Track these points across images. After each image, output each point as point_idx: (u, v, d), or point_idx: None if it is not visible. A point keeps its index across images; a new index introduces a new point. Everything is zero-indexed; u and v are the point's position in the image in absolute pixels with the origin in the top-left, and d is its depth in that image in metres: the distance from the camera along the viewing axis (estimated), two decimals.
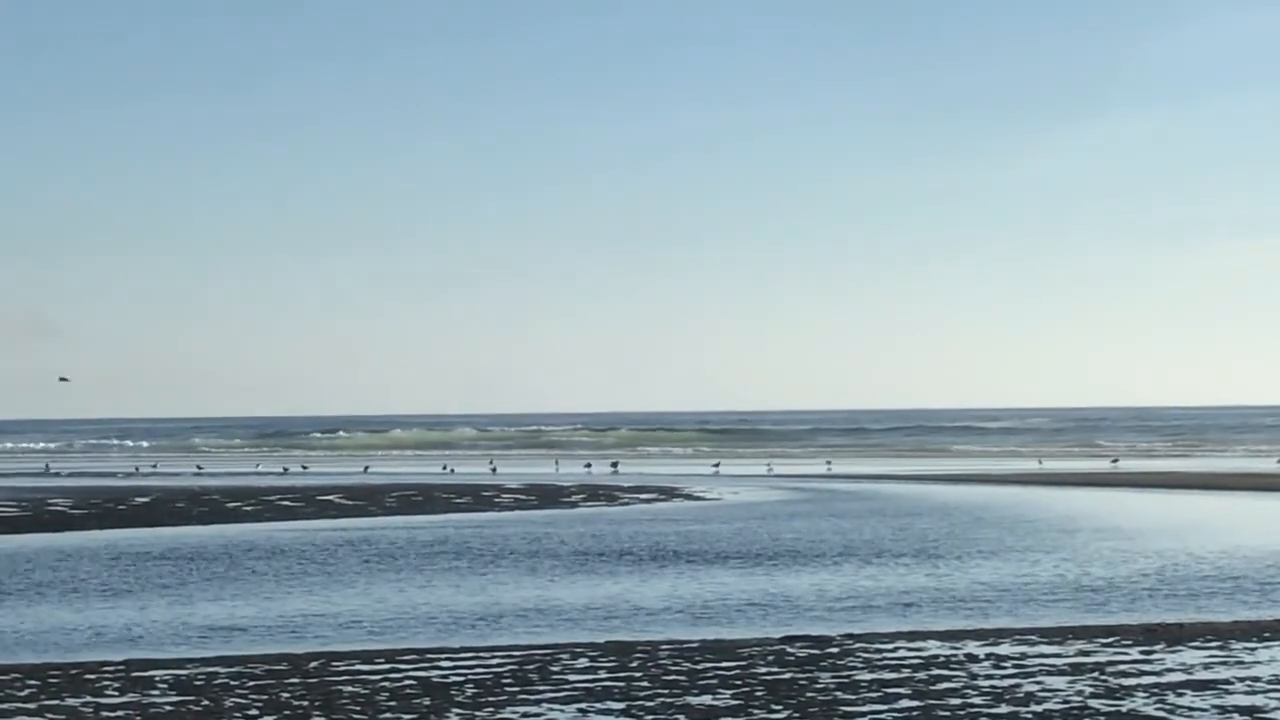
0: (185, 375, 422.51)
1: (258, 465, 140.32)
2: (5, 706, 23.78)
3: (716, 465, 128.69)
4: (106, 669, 27.45)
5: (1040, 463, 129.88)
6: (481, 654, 28.90)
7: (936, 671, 26.32)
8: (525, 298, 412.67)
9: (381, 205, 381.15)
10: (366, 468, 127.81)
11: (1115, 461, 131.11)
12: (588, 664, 27.45)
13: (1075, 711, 22.69)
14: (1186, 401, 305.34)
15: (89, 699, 24.32)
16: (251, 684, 25.62)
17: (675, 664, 27.29)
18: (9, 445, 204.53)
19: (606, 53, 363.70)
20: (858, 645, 29.50)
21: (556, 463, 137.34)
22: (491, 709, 23.24)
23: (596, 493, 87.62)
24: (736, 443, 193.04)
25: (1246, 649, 28.55)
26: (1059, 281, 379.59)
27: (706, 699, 23.88)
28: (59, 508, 74.48)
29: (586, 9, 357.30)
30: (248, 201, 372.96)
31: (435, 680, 25.88)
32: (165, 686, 25.50)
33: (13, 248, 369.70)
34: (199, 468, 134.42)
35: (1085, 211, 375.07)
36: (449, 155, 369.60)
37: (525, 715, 22.74)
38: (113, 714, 23.08)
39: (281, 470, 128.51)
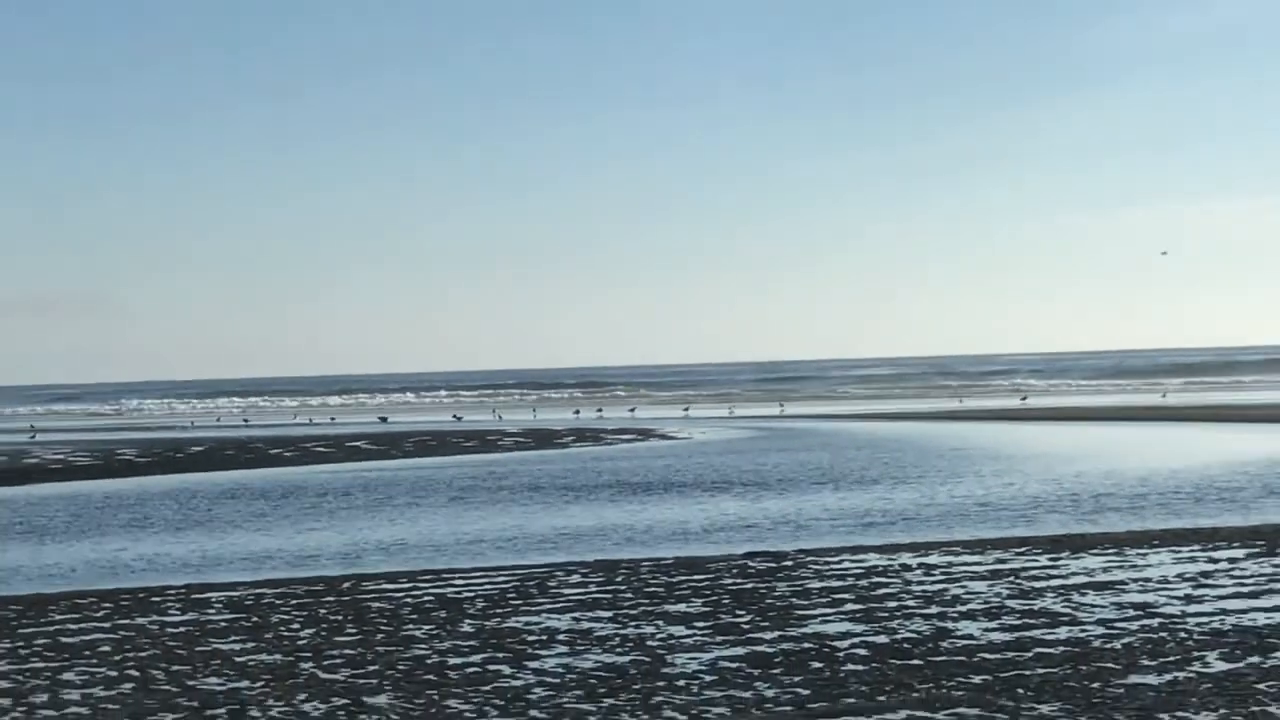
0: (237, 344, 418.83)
1: (294, 417, 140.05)
2: (84, 625, 24.07)
3: (686, 409, 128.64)
4: (169, 592, 27.75)
5: (961, 401, 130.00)
6: (489, 573, 29.18)
7: (876, 579, 26.63)
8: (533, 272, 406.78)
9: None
10: (385, 419, 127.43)
11: (1024, 399, 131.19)
12: (579, 580, 27.72)
13: (994, 610, 23.00)
14: (1094, 347, 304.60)
15: (154, 618, 24.61)
16: (294, 602, 25.90)
17: (654, 578, 27.56)
18: (76, 408, 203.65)
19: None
20: (809, 559, 29.78)
21: (534, 410, 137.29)
22: (498, 619, 23.54)
23: (584, 435, 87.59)
24: (697, 390, 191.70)
25: (1139, 555, 28.91)
26: (976, 244, 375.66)
27: (681, 606, 24.23)
28: (127, 457, 74.40)
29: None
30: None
31: (450, 596, 26.17)
32: (220, 606, 25.82)
33: (77, 237, 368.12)
34: (245, 420, 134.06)
35: (995, 184, 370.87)
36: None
37: (527, 623, 23.06)
38: (175, 630, 23.35)
39: (308, 420, 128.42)
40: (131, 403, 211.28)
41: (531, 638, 21.78)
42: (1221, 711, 16.18)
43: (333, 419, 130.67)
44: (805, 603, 24.20)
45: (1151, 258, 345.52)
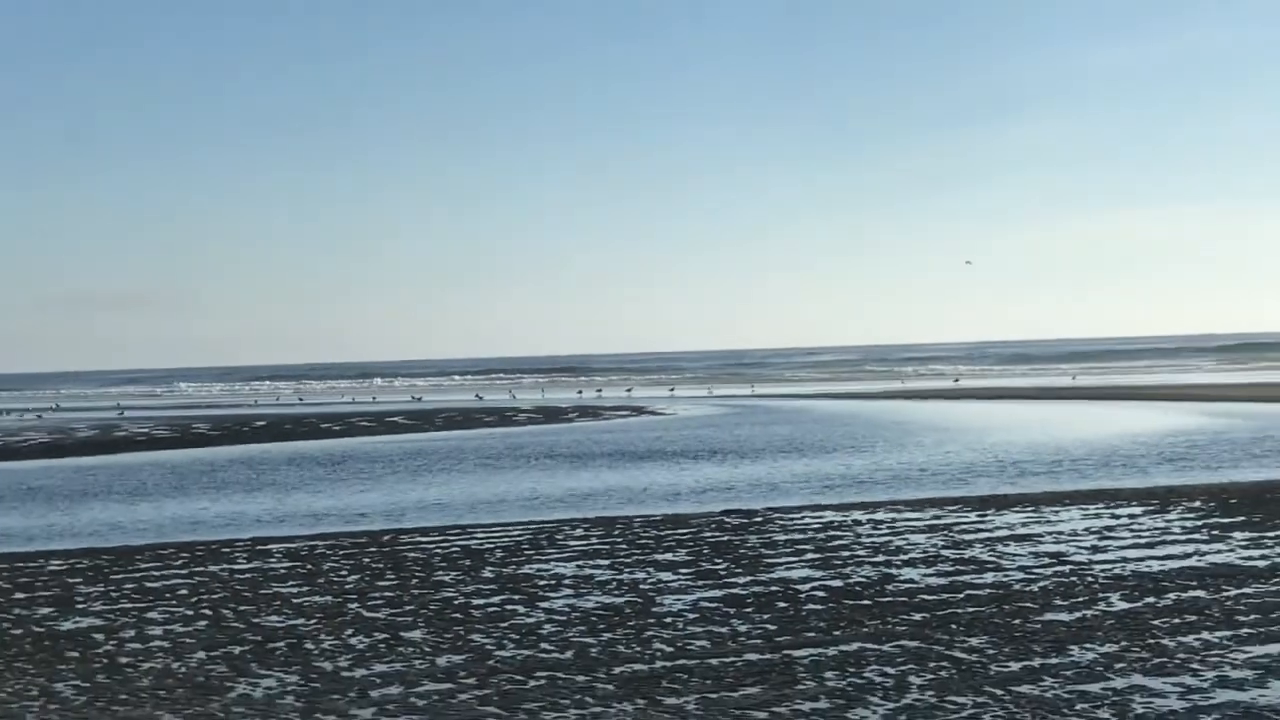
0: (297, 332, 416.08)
1: (343, 397, 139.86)
2: (165, 572, 24.13)
3: (672, 390, 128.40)
4: (237, 544, 27.79)
5: (903, 382, 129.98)
6: (506, 528, 29.21)
7: (832, 533, 26.69)
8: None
9: None
10: (419, 398, 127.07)
11: (957, 380, 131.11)
12: (583, 533, 27.77)
13: (931, 559, 23.07)
14: (1011, 337, 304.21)
15: (224, 566, 24.66)
16: (341, 553, 25.93)
17: (645, 532, 27.61)
18: (157, 389, 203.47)
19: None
20: (776, 516, 29.79)
21: (543, 391, 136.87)
22: (514, 566, 23.61)
23: (587, 411, 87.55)
24: (680, 374, 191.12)
25: (1053, 512, 28.97)
26: (916, 252, 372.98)
27: (668, 556, 24.28)
28: (201, 430, 74.39)
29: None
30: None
31: (473, 547, 26.19)
32: (280, 556, 25.88)
33: (153, 242, 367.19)
34: (300, 400, 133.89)
35: (934, 200, 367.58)
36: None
37: (538, 570, 23.10)
38: (242, 576, 23.41)
39: (352, 399, 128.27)
40: (203, 385, 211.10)
41: (542, 582, 21.83)
42: (1123, 643, 16.23)
43: (374, 399, 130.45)
44: (772, 552, 24.25)
45: (1046, 264, 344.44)
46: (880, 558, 23.27)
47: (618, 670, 15.71)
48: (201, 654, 17.26)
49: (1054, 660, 15.56)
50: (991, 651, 16.06)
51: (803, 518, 29.33)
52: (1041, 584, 20.25)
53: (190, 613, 20.03)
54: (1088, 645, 16.20)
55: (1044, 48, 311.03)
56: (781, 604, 19.29)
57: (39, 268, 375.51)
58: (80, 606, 20.87)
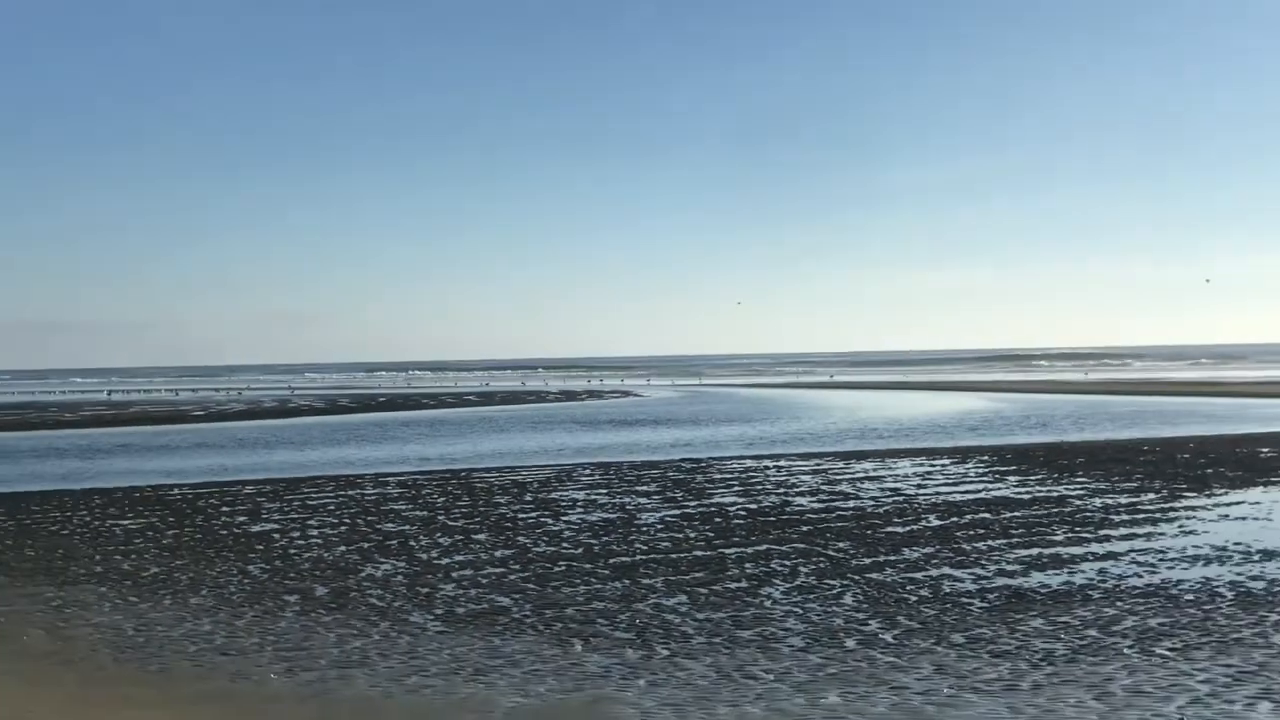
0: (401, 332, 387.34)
1: (449, 383, 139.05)
2: (319, 495, 24.06)
3: (648, 380, 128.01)
4: (365, 477, 27.67)
5: (798, 377, 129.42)
6: (540, 469, 29.13)
7: (751, 474, 26.66)
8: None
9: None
10: (487, 383, 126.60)
11: (831, 376, 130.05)
12: (589, 473, 27.69)
13: (813, 491, 23.07)
14: (870, 347, 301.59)
15: (356, 491, 24.58)
16: (434, 483, 25.85)
17: (630, 472, 27.55)
18: (315, 377, 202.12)
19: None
20: (714, 462, 29.77)
21: (546, 381, 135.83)
22: (545, 493, 23.58)
23: (592, 394, 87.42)
24: (651, 369, 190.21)
25: (893, 461, 28.97)
26: (817, 293, 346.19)
27: (646, 487, 24.25)
28: (344, 404, 74.13)
29: None
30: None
31: (519, 480, 26.13)
32: (393, 484, 25.76)
33: (311, 269, 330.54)
34: (409, 384, 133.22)
35: (820, 258, 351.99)
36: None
37: (561, 495, 23.07)
38: (368, 498, 23.37)
39: (438, 385, 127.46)
40: (349, 374, 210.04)
41: (563, 503, 21.80)
42: (936, 547, 16.30)
43: (456, 384, 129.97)
44: (712, 486, 24.22)
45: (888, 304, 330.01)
46: (780, 490, 23.27)
47: (611, 561, 15.77)
48: (341, 548, 17.26)
49: (892, 558, 15.65)
50: (852, 551, 16.14)
51: (733, 464, 29.30)
52: (884, 508, 20.30)
53: (335, 521, 20.01)
54: (914, 548, 16.29)
55: (885, 170, 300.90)
56: (717, 520, 19.31)
57: (257, 290, 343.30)
58: (264, 516, 20.85)
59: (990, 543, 16.57)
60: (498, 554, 16.45)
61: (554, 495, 23.12)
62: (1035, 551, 15.80)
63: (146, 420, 56.50)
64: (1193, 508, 19.77)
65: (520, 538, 17.79)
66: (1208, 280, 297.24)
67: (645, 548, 16.67)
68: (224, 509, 22.00)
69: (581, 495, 23.04)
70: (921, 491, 22.67)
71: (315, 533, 18.76)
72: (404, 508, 21.69)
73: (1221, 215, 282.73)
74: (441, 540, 17.75)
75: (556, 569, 15.23)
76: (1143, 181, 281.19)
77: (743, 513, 20.07)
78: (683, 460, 30.63)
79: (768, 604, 12.97)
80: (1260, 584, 13.53)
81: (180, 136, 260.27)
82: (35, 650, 11.67)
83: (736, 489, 23.64)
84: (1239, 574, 14.14)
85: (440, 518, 20.20)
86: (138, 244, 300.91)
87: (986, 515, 19.21)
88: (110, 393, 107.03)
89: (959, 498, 21.62)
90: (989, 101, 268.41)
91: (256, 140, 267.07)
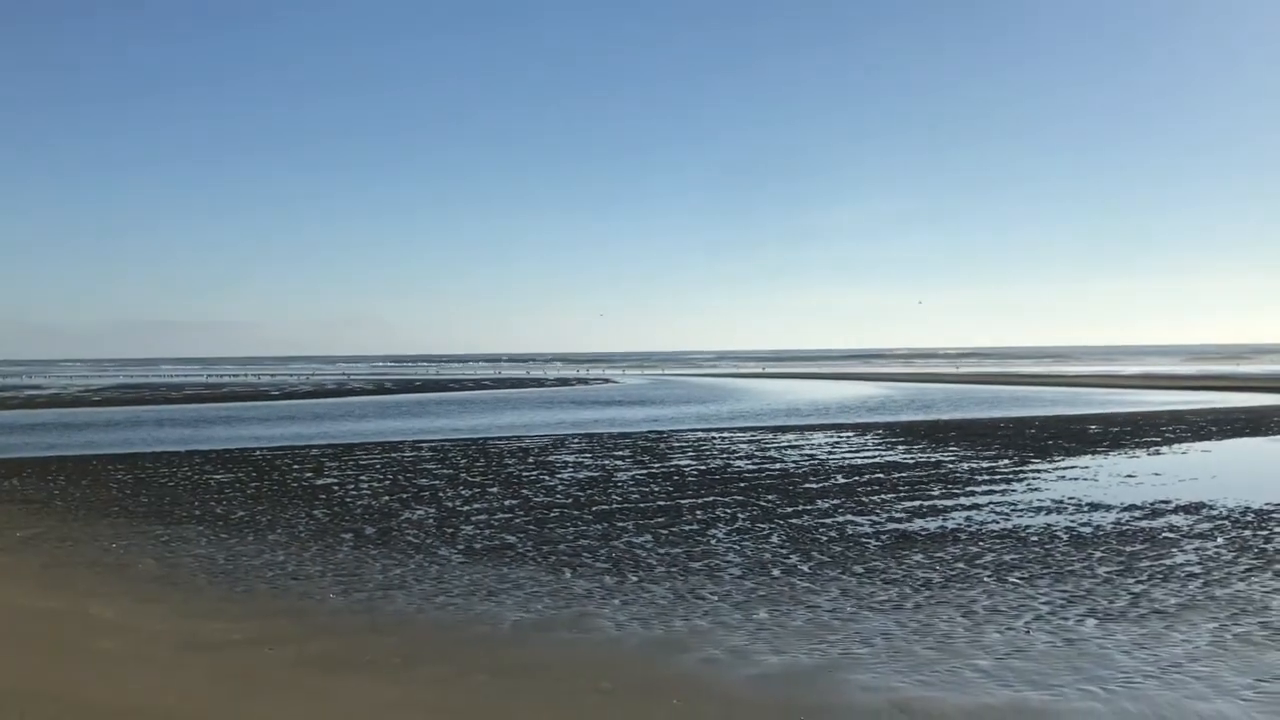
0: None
1: (468, 372, 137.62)
2: (368, 457, 23.79)
3: (624, 371, 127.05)
4: (404, 444, 27.38)
5: (739, 368, 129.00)
6: (541, 437, 28.91)
7: (702, 443, 26.57)
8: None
9: None
10: (499, 370, 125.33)
11: (764, 369, 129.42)
12: (578, 441, 27.55)
13: (749, 456, 23.03)
14: (797, 346, 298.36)
15: (396, 454, 24.31)
16: (458, 448, 25.64)
17: (611, 441, 27.41)
18: (361, 365, 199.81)
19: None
20: (674, 434, 29.69)
21: (546, 370, 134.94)
22: (544, 456, 23.42)
23: (582, 381, 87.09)
24: (628, 363, 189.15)
25: (810, 434, 28.94)
26: (756, 306, 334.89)
27: (621, 453, 24.13)
28: (389, 386, 73.49)
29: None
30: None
31: (523, 446, 25.96)
32: (426, 449, 25.52)
33: (359, 275, 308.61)
34: (437, 371, 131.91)
35: (763, 281, 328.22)
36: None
37: (556, 459, 22.92)
38: (406, 459, 23.11)
39: (460, 372, 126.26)
40: (389, 364, 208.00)
41: (557, 464, 21.66)
42: (842, 499, 16.34)
43: (474, 370, 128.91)
44: (671, 452, 24.13)
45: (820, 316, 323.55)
46: (724, 455, 23.21)
47: (594, 509, 15.73)
48: (385, 497, 17.11)
49: (809, 507, 15.70)
50: (778, 502, 16.18)
51: (689, 436, 29.24)
52: (803, 469, 20.30)
53: (380, 476, 19.82)
54: (825, 500, 16.34)
55: (828, 207, 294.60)
56: (675, 478, 19.26)
57: (334, 294, 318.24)
58: (326, 473, 20.62)
59: (883, 496, 16.67)
60: (506, 503, 16.38)
61: (550, 458, 22.98)
62: (917, 503, 15.92)
63: (234, 398, 55.80)
64: (1038, 470, 19.97)
65: (524, 490, 17.72)
66: (920, 302, 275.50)
67: (620, 499, 16.65)
68: (295, 466, 21.78)
69: (572, 458, 22.92)
70: (831, 457, 22.69)
71: (365, 485, 18.61)
72: (434, 467, 21.52)
73: (1094, 246, 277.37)
74: (463, 492, 17.65)
75: (551, 515, 15.19)
76: (1032, 228, 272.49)
77: (695, 472, 20.03)
78: (649, 432, 30.52)
79: (713, 542, 12.96)
80: (1088, 529, 13.71)
81: (275, 174, 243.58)
82: (148, 574, 11.57)
83: (690, 454, 23.58)
84: (1072, 521, 14.32)
85: (462, 475, 20.06)
86: (227, 259, 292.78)
87: (880, 475, 19.29)
88: (208, 376, 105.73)
89: (860, 462, 21.67)
90: (917, 156, 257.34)
91: (317, 179, 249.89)
